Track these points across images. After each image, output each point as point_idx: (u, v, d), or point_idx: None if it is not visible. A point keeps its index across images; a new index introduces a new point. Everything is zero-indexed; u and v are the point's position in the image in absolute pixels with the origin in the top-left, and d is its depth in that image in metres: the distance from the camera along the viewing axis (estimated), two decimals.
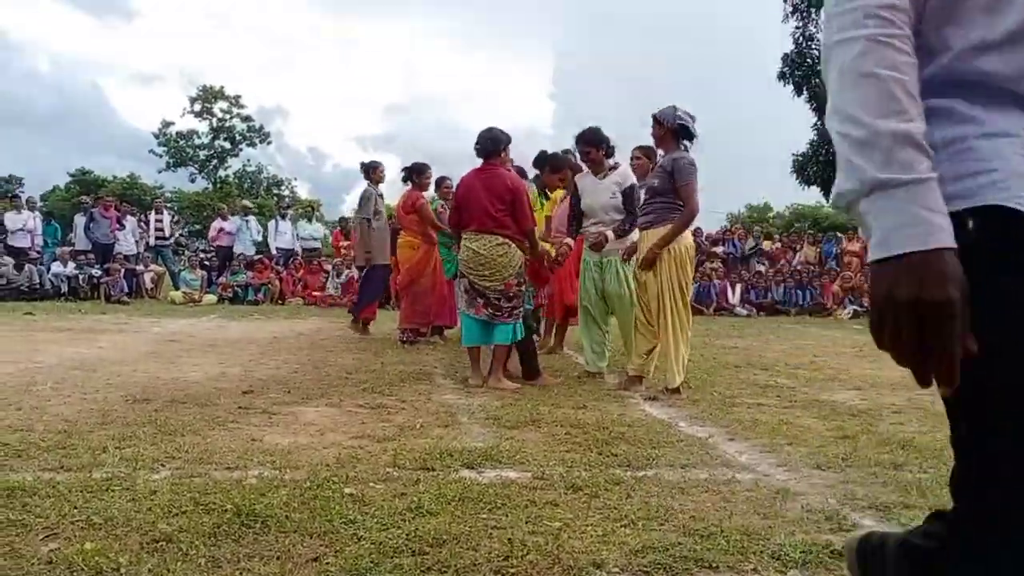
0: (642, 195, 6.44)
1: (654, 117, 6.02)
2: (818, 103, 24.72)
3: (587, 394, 6.06)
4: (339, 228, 21.49)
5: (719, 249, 19.22)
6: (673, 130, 5.94)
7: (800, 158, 25.97)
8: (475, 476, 3.75)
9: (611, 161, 6.95)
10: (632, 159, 7.18)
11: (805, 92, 25.15)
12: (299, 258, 18.92)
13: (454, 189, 7.24)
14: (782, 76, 25.34)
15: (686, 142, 6.04)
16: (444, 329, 9.80)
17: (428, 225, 9.09)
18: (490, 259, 6.22)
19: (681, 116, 5.93)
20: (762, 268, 18.67)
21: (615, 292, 6.78)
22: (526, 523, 3.07)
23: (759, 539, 2.95)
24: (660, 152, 6.22)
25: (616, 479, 3.75)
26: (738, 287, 17.42)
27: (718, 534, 3.00)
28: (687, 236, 6.07)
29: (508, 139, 6.59)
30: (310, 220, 22.09)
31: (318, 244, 20.75)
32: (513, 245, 6.25)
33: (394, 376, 6.78)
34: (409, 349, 8.90)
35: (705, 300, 16.84)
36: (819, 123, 25.11)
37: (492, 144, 6.47)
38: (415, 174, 9.28)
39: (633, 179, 6.84)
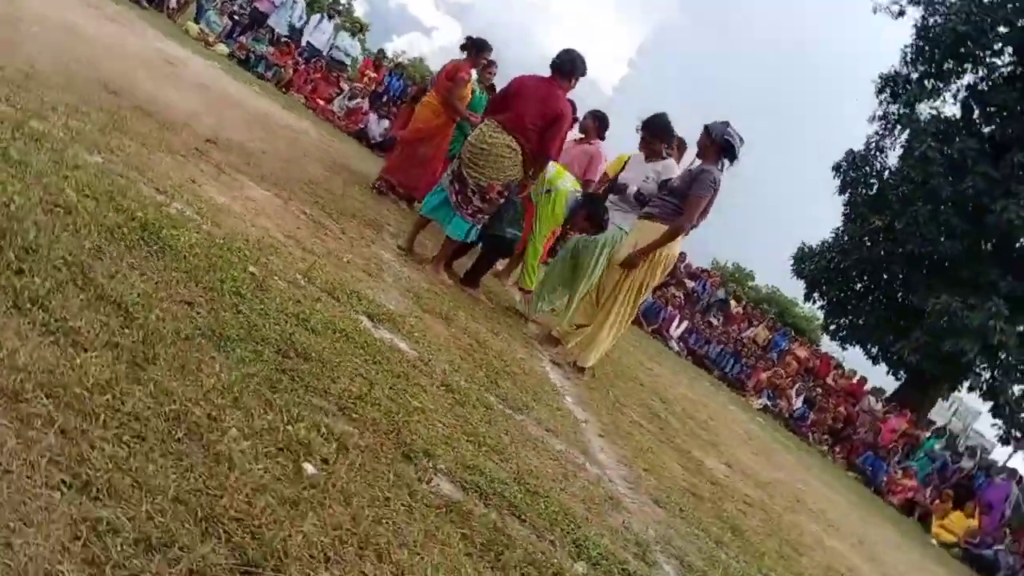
0: (658, 186, 6.40)
1: (705, 127, 5.93)
2: (851, 212, 24.74)
3: (506, 326, 6.08)
4: (373, 59, 20.97)
5: (690, 284, 19.37)
6: (718, 145, 5.85)
7: (805, 250, 26.11)
8: (370, 327, 3.75)
9: (665, 151, 6.89)
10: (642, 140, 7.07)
11: (847, 194, 25.10)
12: (323, 62, 18.41)
13: (507, 84, 6.83)
14: (837, 168, 25.25)
15: (726, 160, 5.92)
16: (416, 201, 9.68)
17: (445, 100, 8.72)
18: (492, 154, 6.02)
19: (730, 134, 5.82)
20: (714, 321, 18.89)
21: (587, 259, 6.74)
22: (389, 388, 3.09)
23: (572, 522, 3.01)
24: (698, 161, 6.13)
25: (487, 404, 3.79)
26: (684, 324, 17.62)
27: (542, 496, 3.05)
28: (675, 244, 6.04)
29: (584, 71, 6.35)
30: (352, 35, 21.45)
31: (347, 62, 20.19)
32: (520, 157, 6.10)
33: (349, 208, 6.68)
34: (376, 197, 8.78)
35: (651, 317, 17.00)
36: (842, 231, 25.16)
37: (569, 65, 6.24)
38: (475, 49, 8.95)
39: (675, 173, 6.66)
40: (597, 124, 8.79)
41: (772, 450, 10.95)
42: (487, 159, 6.06)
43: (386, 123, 16.53)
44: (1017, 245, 20.66)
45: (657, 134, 6.78)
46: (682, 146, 7.05)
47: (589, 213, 6.68)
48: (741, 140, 5.87)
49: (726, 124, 5.89)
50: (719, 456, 7.05)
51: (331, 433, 2.50)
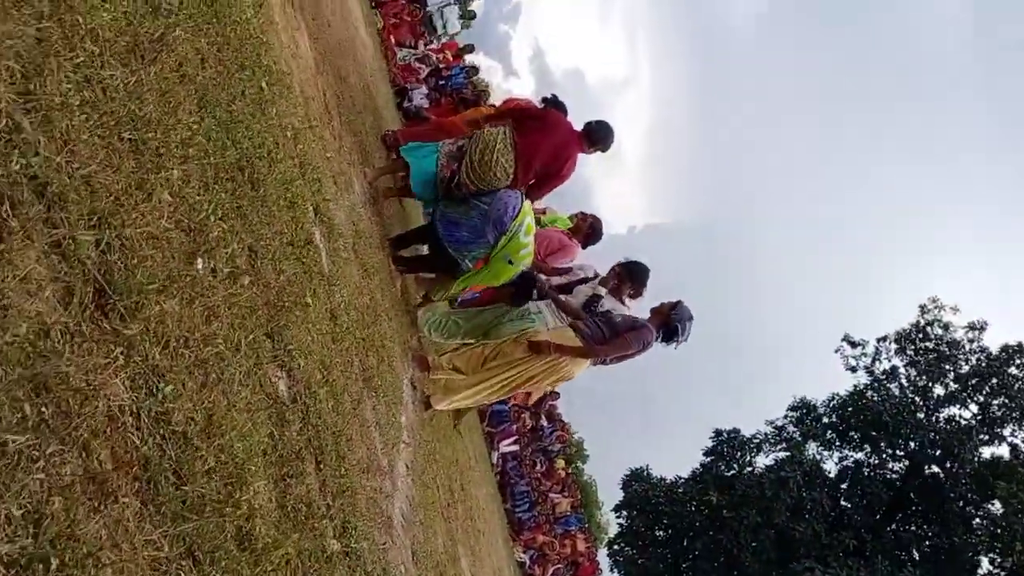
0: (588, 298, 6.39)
1: (678, 302, 5.96)
2: (700, 476, 25.31)
3: (400, 322, 5.96)
4: (460, 46, 21.08)
5: (544, 422, 19.53)
6: (670, 322, 5.82)
7: (641, 473, 26.45)
8: (311, 216, 3.65)
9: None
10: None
11: (709, 460, 25.64)
12: (420, 13, 18.36)
13: (542, 110, 6.65)
14: (717, 433, 25.93)
15: (664, 339, 5.89)
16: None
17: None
18: (491, 165, 5.81)
19: (683, 325, 5.81)
20: (538, 465, 18.99)
21: (505, 329, 6.54)
22: (295, 274, 2.98)
23: (353, 506, 2.95)
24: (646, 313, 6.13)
25: (352, 357, 3.69)
26: (514, 448, 17.64)
27: (343, 462, 2.97)
28: (579, 366, 5.98)
29: (607, 148, 6.36)
30: (460, 16, 21.52)
31: (439, 31, 20.14)
32: (508, 183, 5.89)
33: (355, 127, 6.46)
34: (378, 142, 8.61)
35: (493, 420, 16.98)
36: (682, 481, 25.65)
37: (602, 135, 6.25)
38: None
39: (621, 311, 6.67)
40: (589, 231, 8.78)
41: None
42: (487, 172, 5.86)
43: (427, 102, 16.50)
44: None
45: (633, 281, 6.82)
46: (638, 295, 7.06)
47: (520, 288, 6.48)
48: (685, 336, 5.88)
49: (690, 317, 5.93)
50: (470, 556, 6.95)
51: (239, 247, 2.41)
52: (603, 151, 6.39)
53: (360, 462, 3.49)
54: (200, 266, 2.14)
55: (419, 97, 16.38)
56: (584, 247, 8.65)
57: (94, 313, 1.52)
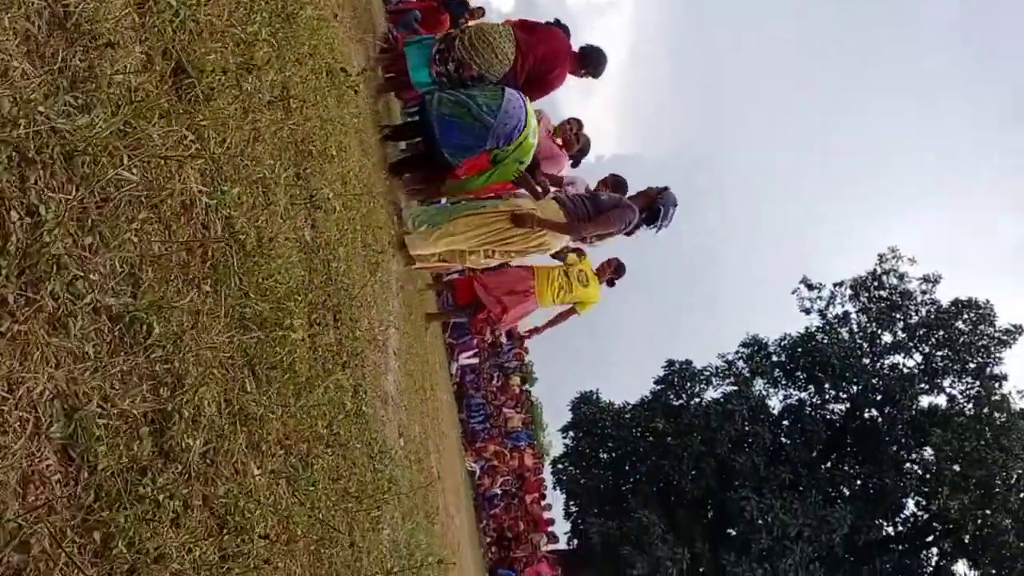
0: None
1: (664, 188, 5.86)
2: (650, 403, 25.87)
3: (389, 213, 5.79)
4: None
5: (503, 339, 19.63)
6: (654, 204, 5.71)
7: (590, 396, 26.95)
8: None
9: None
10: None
11: (659, 388, 26.16)
12: None
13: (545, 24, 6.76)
14: (669, 363, 26.41)
15: (646, 220, 5.75)
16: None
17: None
18: (492, 49, 5.77)
19: (667, 211, 5.70)
20: (494, 380, 19.17)
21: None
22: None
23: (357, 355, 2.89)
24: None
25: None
26: (473, 361, 17.74)
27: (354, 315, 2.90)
28: (557, 241, 5.85)
29: (597, 75, 6.31)
30: None
31: None
32: (507, 70, 5.85)
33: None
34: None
35: (455, 332, 17.00)
36: (630, 407, 26.25)
37: (593, 61, 6.16)
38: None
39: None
40: (578, 150, 8.70)
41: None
42: (486, 49, 5.78)
43: None
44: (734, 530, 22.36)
45: (616, 188, 6.84)
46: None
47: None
48: (667, 221, 5.76)
49: (675, 203, 5.79)
50: (436, 454, 6.99)
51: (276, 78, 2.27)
52: (594, 77, 6.37)
53: (365, 332, 3.44)
54: (250, 81, 2.01)
55: None
56: (573, 164, 8.52)
57: (171, 89, 1.39)
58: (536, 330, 7.94)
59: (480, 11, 17.07)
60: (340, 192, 3.39)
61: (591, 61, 6.21)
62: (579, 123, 8.49)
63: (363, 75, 5.37)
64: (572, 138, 8.57)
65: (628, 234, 5.83)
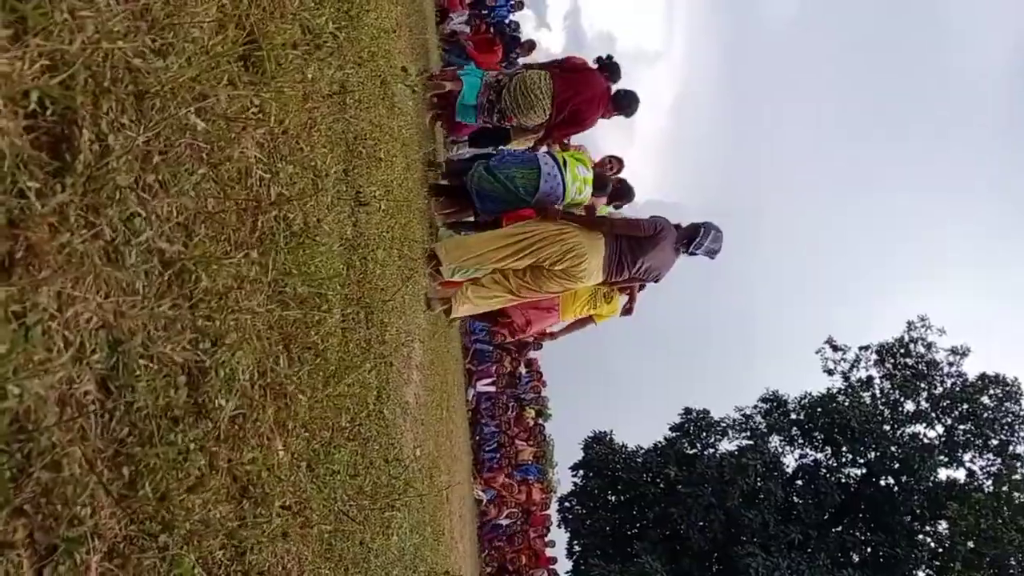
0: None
1: (708, 223, 5.75)
2: (663, 451, 25.59)
3: (421, 225, 5.80)
4: None
5: (523, 370, 19.57)
6: (693, 229, 5.51)
7: (604, 437, 26.71)
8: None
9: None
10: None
11: (675, 436, 25.87)
12: None
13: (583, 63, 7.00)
14: (686, 412, 26.18)
15: (685, 241, 5.53)
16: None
17: None
18: (532, 99, 6.21)
19: (706, 236, 5.46)
20: (509, 411, 19.06)
21: None
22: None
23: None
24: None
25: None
26: (490, 389, 17.68)
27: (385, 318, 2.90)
28: (589, 245, 5.37)
29: (629, 115, 6.83)
30: None
31: None
32: (542, 122, 6.31)
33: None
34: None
35: (477, 358, 16.98)
36: (644, 452, 25.96)
37: (625, 103, 6.59)
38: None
39: None
40: (617, 192, 8.66)
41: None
42: (526, 103, 6.24)
43: (466, 28, 16.11)
44: None
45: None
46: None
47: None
48: (707, 242, 5.52)
49: (717, 230, 5.58)
50: (447, 475, 6.93)
51: (337, 73, 2.29)
52: (626, 116, 6.84)
53: (393, 338, 3.43)
54: (311, 71, 2.03)
55: (458, 21, 16.00)
56: (609, 203, 8.49)
57: (240, 58, 1.40)
58: (552, 334, 7.83)
59: (531, 44, 17.23)
60: (382, 197, 3.42)
61: (623, 104, 6.68)
62: (620, 162, 8.46)
63: (421, 77, 5.46)
64: (608, 174, 8.59)
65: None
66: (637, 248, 5.40)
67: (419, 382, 4.87)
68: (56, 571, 0.71)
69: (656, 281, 5.75)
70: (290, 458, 1.46)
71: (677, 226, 5.72)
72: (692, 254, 5.56)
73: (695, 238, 5.48)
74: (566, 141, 7.61)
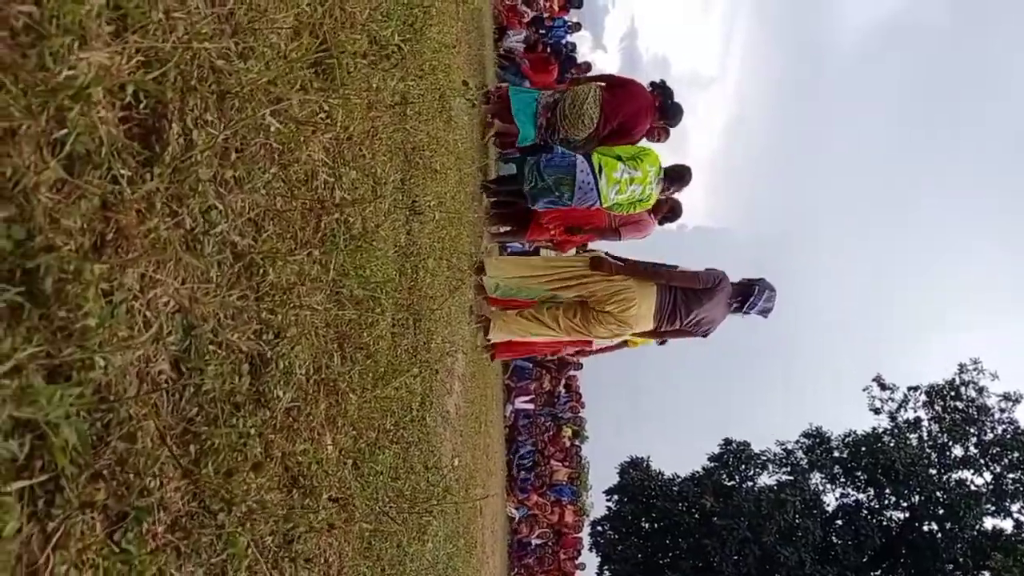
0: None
1: (763, 281, 5.72)
2: (699, 480, 25.21)
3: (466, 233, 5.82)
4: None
5: (561, 390, 19.50)
6: (748, 288, 5.40)
7: (638, 462, 26.43)
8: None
9: None
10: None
11: (712, 465, 25.52)
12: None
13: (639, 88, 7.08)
14: (727, 443, 25.78)
15: (740, 301, 5.44)
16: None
17: None
18: (581, 116, 6.39)
19: (759, 296, 5.36)
20: (545, 429, 19.00)
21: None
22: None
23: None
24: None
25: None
26: (528, 407, 17.66)
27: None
28: (642, 294, 5.32)
29: (671, 124, 6.98)
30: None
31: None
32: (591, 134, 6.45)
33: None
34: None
35: (516, 375, 16.98)
36: (679, 480, 25.61)
37: (670, 114, 6.77)
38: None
39: None
40: (669, 211, 8.65)
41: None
42: (575, 117, 6.44)
43: (522, 46, 16.25)
44: None
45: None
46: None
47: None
48: (761, 302, 5.43)
49: (771, 288, 5.50)
50: (481, 488, 6.92)
51: (398, 84, 2.35)
52: (671, 127, 7.06)
53: (436, 350, 3.47)
54: (376, 81, 2.08)
55: (515, 39, 16.15)
56: (661, 223, 8.54)
57: (311, 65, 1.46)
58: (586, 352, 7.80)
59: (587, 66, 17.29)
60: (436, 208, 3.47)
61: (669, 114, 6.88)
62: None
63: (481, 91, 5.55)
64: (665, 208, 8.53)
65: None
66: (693, 299, 5.32)
67: (460, 393, 4.91)
68: (125, 536, 0.76)
69: (705, 336, 5.62)
70: (338, 454, 1.50)
71: (734, 284, 5.64)
72: (745, 313, 5.48)
73: (749, 296, 5.39)
74: None
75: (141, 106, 0.86)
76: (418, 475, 2.64)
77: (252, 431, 1.05)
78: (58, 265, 0.66)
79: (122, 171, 0.80)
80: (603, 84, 6.80)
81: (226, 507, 0.93)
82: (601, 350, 7.27)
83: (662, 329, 5.45)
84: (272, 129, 1.14)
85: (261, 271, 1.12)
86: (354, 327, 1.67)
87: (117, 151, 0.79)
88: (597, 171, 6.26)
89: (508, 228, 7.89)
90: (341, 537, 1.49)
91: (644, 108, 6.75)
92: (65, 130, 0.69)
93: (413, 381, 2.56)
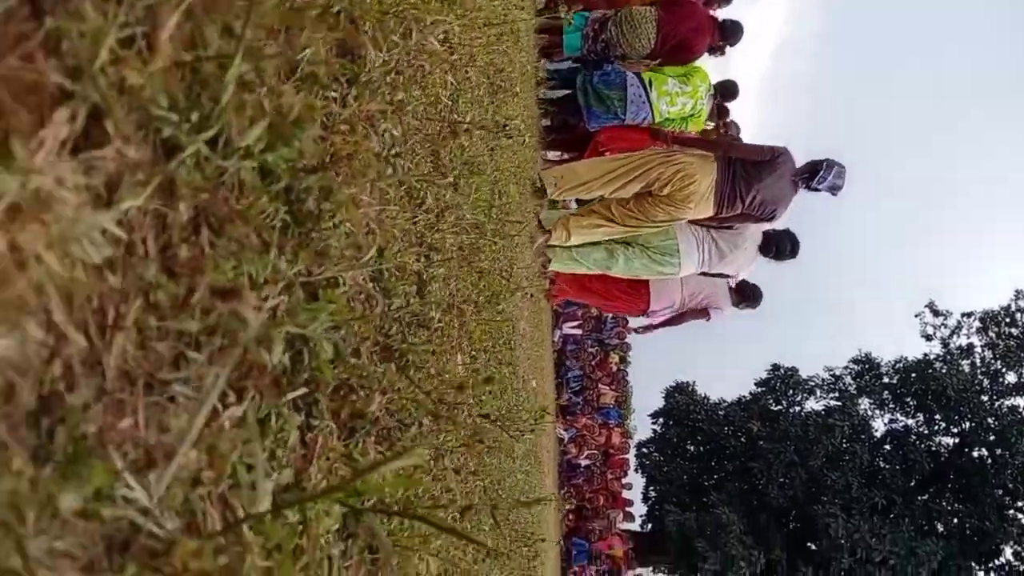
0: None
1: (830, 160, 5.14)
2: (744, 405, 25.33)
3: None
4: None
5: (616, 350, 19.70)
6: (815, 165, 5.03)
7: (686, 386, 26.59)
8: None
9: None
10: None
11: (760, 391, 25.53)
12: None
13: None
14: (775, 367, 25.72)
15: (807, 176, 5.05)
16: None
17: None
18: (638, 32, 6.33)
19: (828, 171, 4.96)
20: (593, 353, 19.19)
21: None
22: None
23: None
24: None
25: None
26: (576, 332, 17.79)
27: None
28: (701, 170, 5.02)
29: (734, 44, 6.96)
30: None
31: None
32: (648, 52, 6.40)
33: None
34: None
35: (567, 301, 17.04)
36: (726, 405, 25.76)
37: (730, 32, 6.82)
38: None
39: None
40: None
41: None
42: (631, 33, 6.36)
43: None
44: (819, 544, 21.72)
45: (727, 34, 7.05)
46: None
47: None
48: (832, 186, 5.04)
49: (842, 170, 5.07)
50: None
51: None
52: (730, 45, 7.03)
53: (516, 275, 3.48)
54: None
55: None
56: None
57: None
58: (650, 328, 7.57)
59: None
60: (524, 131, 3.45)
61: (729, 33, 6.87)
62: (729, 119, 8.26)
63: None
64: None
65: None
66: (753, 174, 4.96)
67: (527, 317, 4.96)
68: (355, 447, 0.80)
69: (771, 219, 5.24)
70: (467, 374, 1.54)
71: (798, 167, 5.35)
72: (815, 189, 5.05)
73: (818, 171, 4.99)
74: None
75: (340, 27, 0.86)
76: (509, 396, 2.71)
77: (423, 348, 1.09)
78: (318, 186, 0.69)
79: (334, 92, 0.81)
80: (660, 1, 6.67)
81: (435, 417, 0.97)
82: (665, 323, 6.89)
83: (723, 214, 5.13)
84: (429, 50, 1.14)
85: (421, 194, 1.14)
86: (472, 251, 1.69)
87: (333, 73, 0.81)
88: (648, 85, 6.41)
89: (565, 155, 7.85)
90: (473, 454, 1.55)
91: (703, 26, 6.67)
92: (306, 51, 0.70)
93: (506, 306, 2.60)
